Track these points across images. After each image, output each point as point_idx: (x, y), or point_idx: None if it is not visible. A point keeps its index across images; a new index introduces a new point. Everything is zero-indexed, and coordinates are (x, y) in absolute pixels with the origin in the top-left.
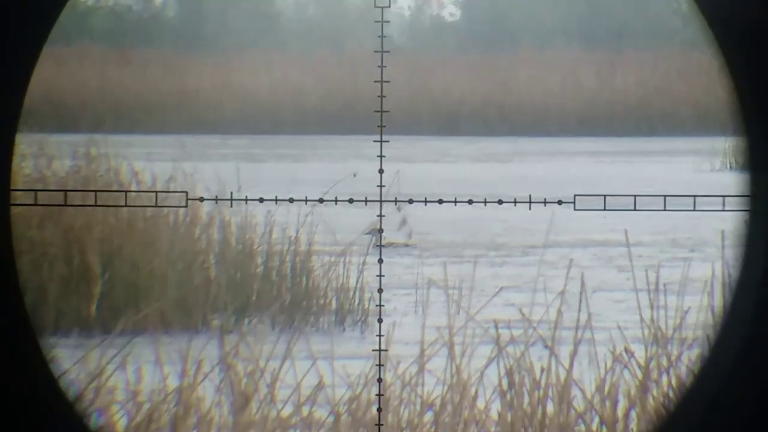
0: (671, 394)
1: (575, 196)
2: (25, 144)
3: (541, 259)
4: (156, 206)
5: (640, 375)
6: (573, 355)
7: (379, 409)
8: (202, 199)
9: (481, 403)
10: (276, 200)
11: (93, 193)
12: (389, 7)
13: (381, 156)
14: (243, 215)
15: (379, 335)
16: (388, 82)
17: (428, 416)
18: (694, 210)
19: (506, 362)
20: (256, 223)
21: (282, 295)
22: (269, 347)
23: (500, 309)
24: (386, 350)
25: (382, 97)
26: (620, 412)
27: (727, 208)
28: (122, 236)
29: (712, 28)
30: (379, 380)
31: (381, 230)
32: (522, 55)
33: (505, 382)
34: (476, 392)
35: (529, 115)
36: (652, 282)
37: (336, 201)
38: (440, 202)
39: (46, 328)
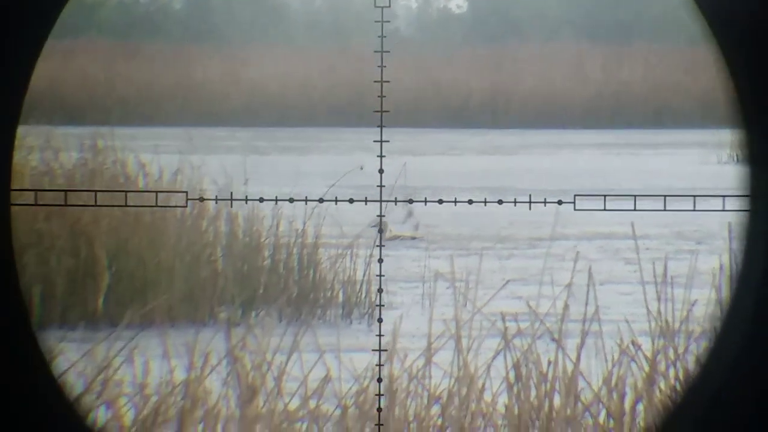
0: (678, 386)
1: (575, 195)
2: (32, 136)
3: (547, 252)
4: (156, 206)
5: (647, 368)
6: (580, 347)
7: (379, 409)
8: (201, 199)
9: (488, 396)
10: (276, 200)
11: (93, 193)
12: (389, 6)
13: (381, 156)
14: (250, 208)
15: (379, 335)
16: (388, 82)
17: (435, 409)
18: (694, 210)
19: (513, 355)
20: (263, 215)
21: (289, 288)
22: (276, 340)
23: (507, 302)
24: (386, 350)
25: (382, 97)
26: (627, 404)
27: (727, 208)
28: (129, 229)
29: (712, 27)
30: (379, 380)
31: (381, 230)
32: (529, 48)
33: (512, 375)
34: (483, 385)
35: (535, 108)
36: (659, 274)
37: (336, 201)
38: (440, 202)
39: (53, 321)
